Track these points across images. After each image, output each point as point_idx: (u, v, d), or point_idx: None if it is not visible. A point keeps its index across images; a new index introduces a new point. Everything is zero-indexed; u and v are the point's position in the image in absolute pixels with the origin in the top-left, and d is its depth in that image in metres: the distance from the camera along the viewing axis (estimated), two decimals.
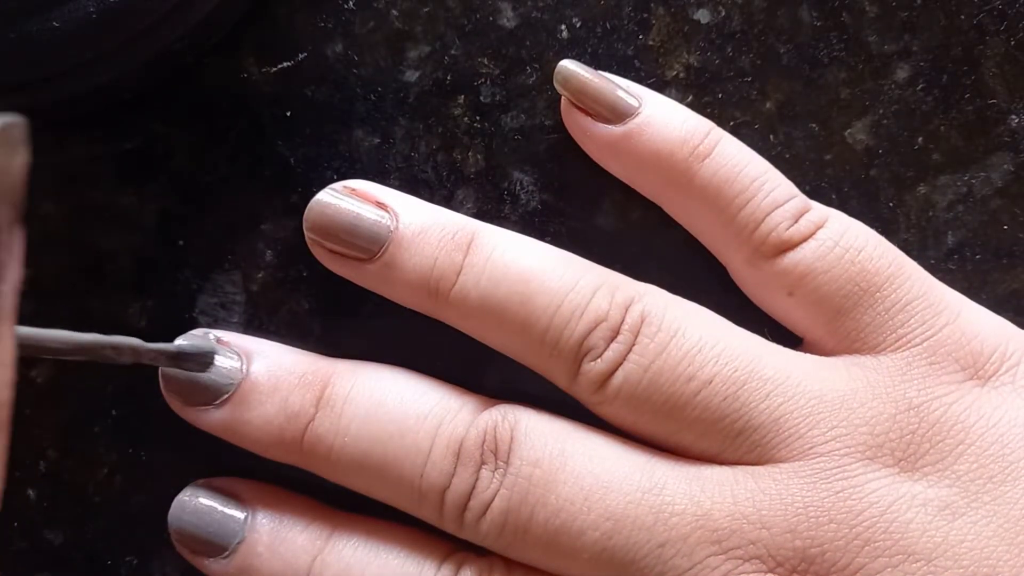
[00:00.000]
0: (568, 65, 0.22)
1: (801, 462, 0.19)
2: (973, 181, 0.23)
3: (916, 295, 0.21)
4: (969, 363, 0.20)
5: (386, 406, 0.21)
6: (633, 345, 0.20)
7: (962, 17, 0.22)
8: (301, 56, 0.23)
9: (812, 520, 0.19)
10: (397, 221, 0.21)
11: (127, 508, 0.23)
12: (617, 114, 0.21)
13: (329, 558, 0.21)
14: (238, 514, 0.21)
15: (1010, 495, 0.19)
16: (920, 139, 0.23)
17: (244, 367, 0.21)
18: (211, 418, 0.21)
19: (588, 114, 0.22)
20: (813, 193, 0.23)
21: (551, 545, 0.20)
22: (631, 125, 0.21)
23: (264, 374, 0.21)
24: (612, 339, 0.20)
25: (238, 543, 0.21)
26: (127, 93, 0.23)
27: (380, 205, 0.21)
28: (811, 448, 0.19)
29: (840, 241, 0.21)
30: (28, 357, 0.16)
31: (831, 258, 0.21)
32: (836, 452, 0.19)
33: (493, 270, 0.21)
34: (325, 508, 0.21)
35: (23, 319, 0.24)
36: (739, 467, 0.20)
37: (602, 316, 0.20)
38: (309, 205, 0.21)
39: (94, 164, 0.23)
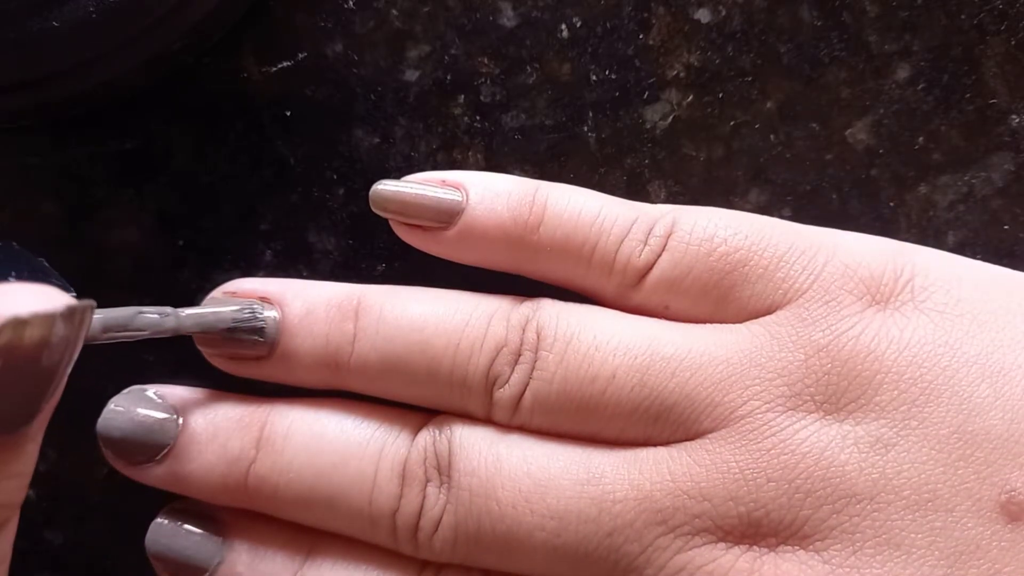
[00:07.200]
0: (381, 188, 0.21)
1: (727, 428, 0.19)
2: (974, 181, 0.23)
3: (785, 248, 0.20)
4: (863, 291, 0.20)
5: (327, 437, 0.21)
6: (535, 362, 0.20)
7: (963, 17, 0.22)
8: (301, 56, 0.23)
9: (750, 483, 0.19)
10: (282, 310, 0.21)
11: (127, 508, 0.23)
12: (444, 217, 0.21)
13: (309, 573, 0.21)
14: (216, 535, 0.21)
15: (935, 415, 0.19)
16: (921, 139, 0.23)
17: (180, 419, 0.21)
18: (154, 473, 0.21)
19: (419, 227, 0.21)
20: (813, 193, 0.23)
21: (505, 551, 0.20)
22: (460, 225, 0.21)
23: (201, 423, 0.21)
24: (516, 363, 0.20)
25: (218, 564, 0.21)
26: (127, 93, 0.23)
27: (263, 299, 0.21)
28: (731, 413, 0.19)
29: (691, 240, 0.21)
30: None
31: (688, 260, 0.20)
32: (757, 411, 0.19)
33: (386, 328, 0.21)
34: (300, 528, 0.21)
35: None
36: (673, 445, 0.20)
37: (501, 342, 0.21)
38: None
39: (94, 164, 0.23)
